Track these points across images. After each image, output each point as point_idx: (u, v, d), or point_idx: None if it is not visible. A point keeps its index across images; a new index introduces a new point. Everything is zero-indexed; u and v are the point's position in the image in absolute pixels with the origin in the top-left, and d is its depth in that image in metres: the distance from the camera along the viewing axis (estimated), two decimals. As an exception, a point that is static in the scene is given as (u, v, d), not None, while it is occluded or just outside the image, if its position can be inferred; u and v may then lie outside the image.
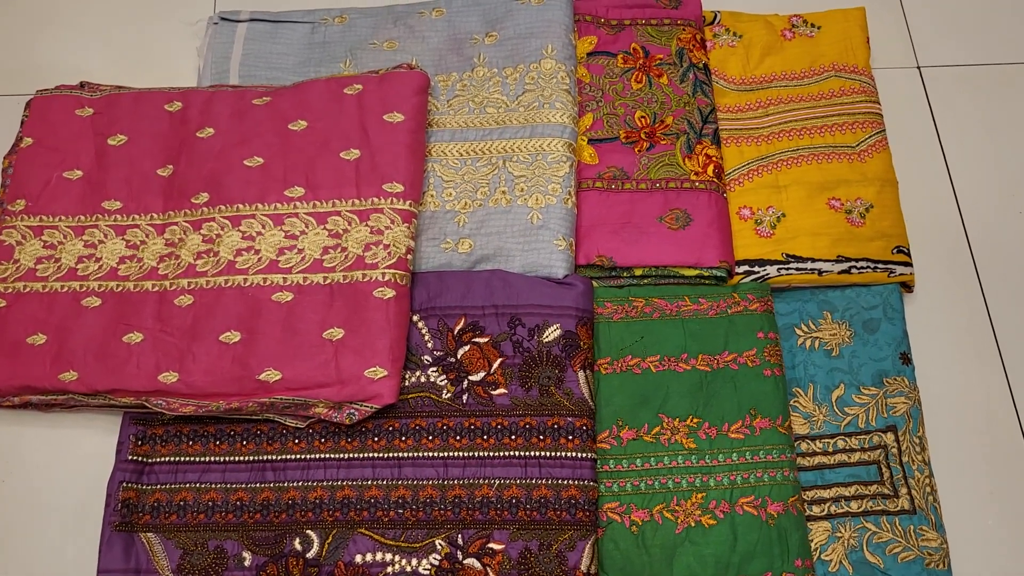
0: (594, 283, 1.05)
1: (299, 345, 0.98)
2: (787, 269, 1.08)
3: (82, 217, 1.08)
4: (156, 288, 1.03)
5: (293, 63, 1.18)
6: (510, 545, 0.92)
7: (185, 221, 1.06)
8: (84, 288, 1.04)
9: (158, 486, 0.98)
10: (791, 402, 1.03)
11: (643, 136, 1.12)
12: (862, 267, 1.08)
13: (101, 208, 1.08)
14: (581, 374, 0.98)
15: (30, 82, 1.19)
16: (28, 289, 1.04)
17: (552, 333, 0.99)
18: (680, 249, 1.05)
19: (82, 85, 1.17)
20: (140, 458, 0.99)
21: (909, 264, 1.09)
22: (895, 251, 1.09)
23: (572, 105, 1.10)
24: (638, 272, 1.06)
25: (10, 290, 1.04)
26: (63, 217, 1.08)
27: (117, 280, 1.04)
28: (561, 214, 1.04)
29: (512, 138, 1.09)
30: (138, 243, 1.06)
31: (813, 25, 1.23)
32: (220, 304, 1.01)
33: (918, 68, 1.26)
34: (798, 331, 1.07)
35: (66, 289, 1.04)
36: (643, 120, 1.13)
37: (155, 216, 1.07)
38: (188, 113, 1.11)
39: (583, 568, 0.91)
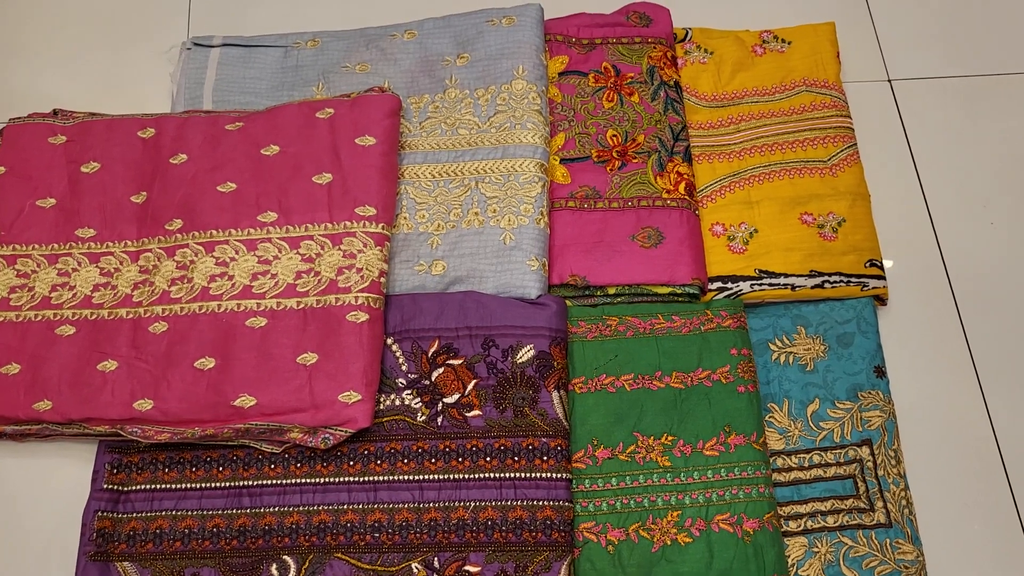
0: (568, 302, 1.05)
1: (273, 370, 0.98)
2: (760, 285, 1.08)
3: (55, 245, 1.08)
4: (130, 315, 1.03)
5: (266, 87, 1.19)
6: (486, 567, 0.92)
7: (159, 248, 1.06)
8: (58, 317, 1.04)
9: (134, 514, 0.98)
10: (766, 417, 1.03)
11: (615, 155, 1.12)
12: (835, 281, 1.08)
13: (75, 236, 1.08)
14: (555, 394, 0.98)
15: (2, 110, 1.19)
16: (2, 319, 1.04)
17: (526, 354, 1.00)
18: (653, 267, 1.05)
19: (55, 112, 1.17)
20: (116, 486, 0.99)
21: (882, 277, 1.09)
22: (868, 264, 1.09)
23: (543, 125, 1.10)
24: (611, 291, 1.06)
25: None
26: (36, 245, 1.08)
27: (91, 308, 1.04)
28: (534, 234, 1.04)
29: (484, 159, 1.09)
30: (112, 270, 1.06)
31: (784, 40, 1.23)
32: (194, 330, 1.01)
33: (889, 81, 1.27)
34: (772, 346, 1.07)
35: (40, 318, 1.04)
36: (615, 139, 1.13)
37: (129, 243, 1.07)
38: (161, 139, 1.11)
39: (559, 589, 0.91)
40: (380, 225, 1.03)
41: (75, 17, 1.30)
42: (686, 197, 1.09)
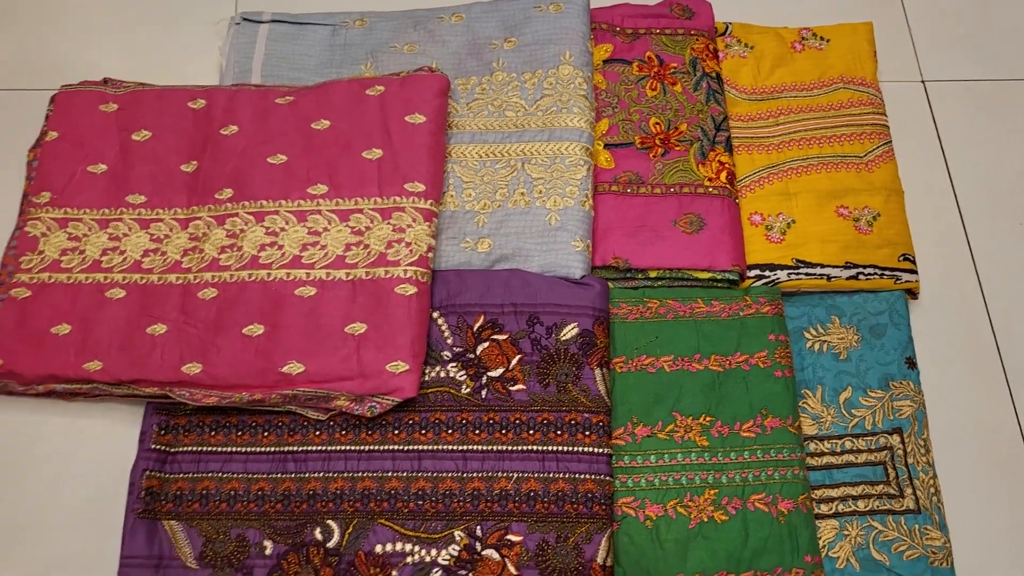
0: (610, 284, 1.08)
1: (322, 339, 1.00)
2: (797, 274, 1.10)
3: (106, 210, 1.10)
4: (180, 281, 1.05)
5: (315, 64, 1.20)
6: (528, 537, 0.94)
7: (209, 216, 1.08)
8: (108, 280, 1.06)
9: (180, 475, 0.99)
10: (800, 403, 1.05)
11: (658, 142, 1.15)
12: (869, 274, 1.11)
13: (125, 202, 1.10)
14: (598, 372, 1.00)
15: (53, 78, 1.21)
16: (53, 280, 1.06)
17: (570, 331, 1.02)
18: (694, 252, 1.08)
19: (105, 81, 1.19)
20: (163, 447, 1.00)
21: (915, 272, 1.11)
22: (901, 259, 1.11)
23: (589, 110, 1.13)
24: (652, 274, 1.08)
25: (35, 280, 1.06)
26: (87, 210, 1.10)
27: (141, 273, 1.06)
28: (579, 216, 1.07)
29: (530, 141, 1.11)
30: (162, 237, 1.08)
31: (822, 38, 1.26)
32: (243, 297, 1.02)
33: (923, 82, 1.30)
34: (807, 334, 1.09)
35: (90, 280, 1.06)
36: (658, 126, 1.16)
37: (179, 211, 1.09)
38: (212, 111, 1.13)
39: (599, 561, 0.93)
40: (429, 201, 1.05)
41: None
42: (727, 186, 1.12)
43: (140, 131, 1.13)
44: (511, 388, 1.00)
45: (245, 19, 1.24)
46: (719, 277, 1.08)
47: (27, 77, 1.23)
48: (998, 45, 1.33)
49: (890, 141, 1.19)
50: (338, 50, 1.21)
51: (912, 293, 1.13)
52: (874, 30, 1.26)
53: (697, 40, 1.21)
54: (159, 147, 1.12)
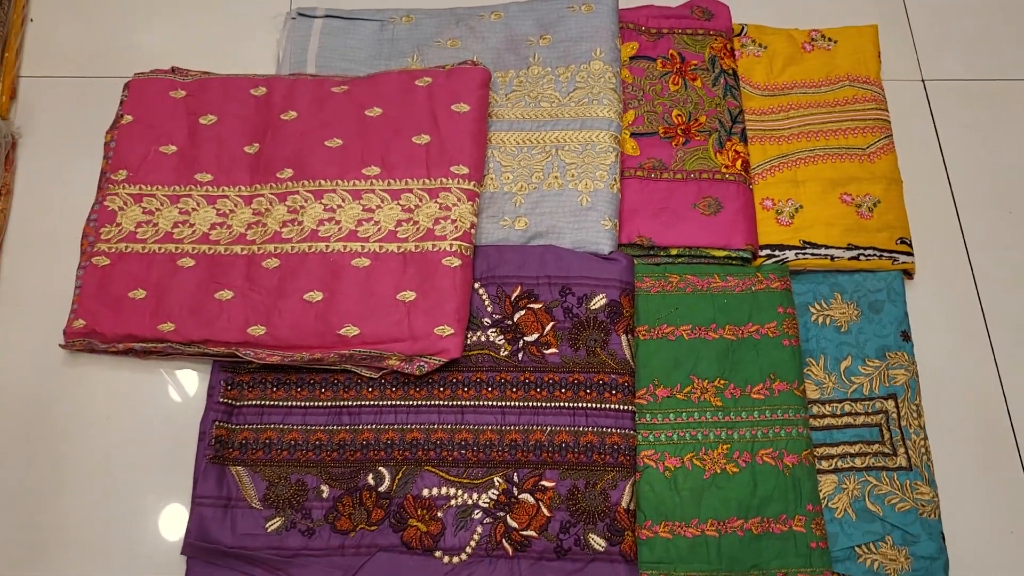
0: (635, 260, 1.16)
1: (375, 305, 1.09)
2: (803, 254, 1.19)
3: (177, 187, 1.19)
4: (245, 252, 1.14)
5: (365, 56, 1.28)
6: (560, 483, 1.04)
7: (271, 193, 1.16)
8: (179, 250, 1.15)
9: (245, 426, 1.09)
10: (804, 371, 1.14)
11: (679, 132, 1.24)
12: (869, 255, 1.19)
13: (194, 180, 1.19)
14: (624, 338, 1.10)
15: (126, 66, 1.29)
16: (129, 249, 1.15)
17: (599, 301, 1.12)
18: (711, 233, 1.16)
19: (173, 70, 1.27)
20: (229, 401, 1.10)
21: (911, 254, 1.20)
22: (899, 242, 1.20)
23: (617, 102, 1.22)
24: (673, 252, 1.17)
25: (113, 250, 1.15)
26: (160, 187, 1.19)
27: (209, 244, 1.15)
28: (607, 198, 1.16)
29: (564, 130, 1.20)
30: (227, 212, 1.17)
31: (830, 39, 1.34)
32: (304, 267, 1.11)
33: (923, 81, 1.39)
34: (811, 309, 1.18)
35: (163, 250, 1.15)
36: (679, 118, 1.25)
37: (243, 188, 1.18)
38: (272, 98, 1.21)
39: (623, 505, 1.03)
40: (472, 183, 1.14)
41: None
42: (742, 173, 1.21)
43: (206, 115, 1.22)
44: (545, 351, 1.10)
45: (300, 14, 1.31)
46: (734, 255, 1.17)
47: (103, 66, 1.32)
48: (994, 48, 1.42)
49: (891, 135, 1.27)
50: (386, 44, 1.29)
51: (908, 273, 1.21)
52: (879, 32, 1.34)
53: (715, 40, 1.30)
54: (224, 130, 1.20)
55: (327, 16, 1.32)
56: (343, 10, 1.33)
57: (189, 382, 1.15)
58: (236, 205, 1.17)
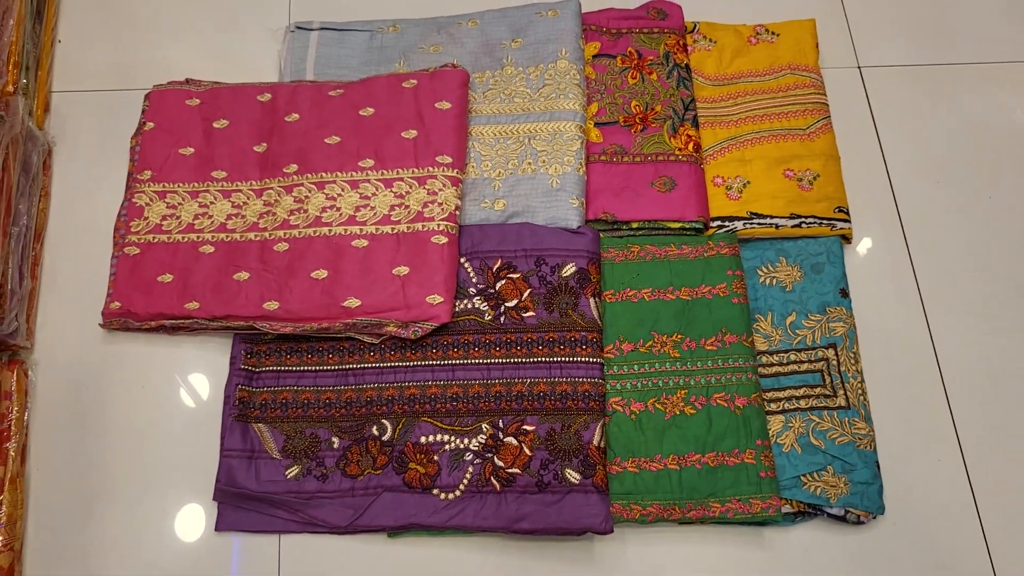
0: (600, 233, 1.26)
1: (374, 280, 1.18)
2: (751, 224, 1.29)
3: (196, 184, 1.30)
4: (258, 238, 1.24)
5: (357, 63, 1.38)
6: (539, 427, 1.17)
7: (279, 186, 1.28)
8: (200, 239, 1.26)
9: (264, 388, 1.22)
10: (754, 326, 1.25)
11: (638, 121, 1.33)
12: (810, 223, 1.29)
13: (211, 177, 1.29)
14: (591, 300, 1.23)
15: (146, 78, 1.42)
16: (156, 240, 1.27)
17: (569, 270, 1.23)
18: (667, 207, 1.26)
19: (187, 81, 1.39)
20: (249, 368, 1.23)
21: (848, 221, 1.30)
22: (836, 210, 1.30)
23: (582, 96, 1.32)
24: (634, 225, 1.27)
25: (143, 240, 1.28)
26: (181, 184, 1.30)
27: (226, 232, 1.25)
28: (575, 180, 1.26)
29: (535, 122, 1.30)
30: (241, 204, 1.28)
31: (773, 33, 1.45)
32: (310, 249, 1.21)
33: (859, 68, 1.50)
34: (759, 272, 1.29)
35: (186, 240, 1.26)
36: (637, 108, 1.34)
37: (254, 183, 1.28)
38: (276, 103, 1.31)
39: (595, 443, 1.17)
40: (455, 171, 1.25)
41: (200, 5, 1.51)
42: (694, 154, 1.32)
43: (219, 120, 1.32)
44: (523, 315, 1.21)
45: (298, 27, 1.41)
46: (687, 227, 1.27)
47: (126, 79, 1.43)
48: (923, 35, 1.53)
49: (828, 116, 1.38)
50: (376, 52, 1.39)
51: (846, 238, 1.30)
52: (816, 25, 1.46)
53: (670, 37, 1.40)
54: (235, 133, 1.30)
55: (322, 28, 1.42)
56: (336, 23, 1.43)
57: (214, 353, 1.25)
58: (249, 198, 1.29)
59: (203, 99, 1.36)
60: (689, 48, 1.44)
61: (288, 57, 1.40)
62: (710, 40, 1.46)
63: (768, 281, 1.29)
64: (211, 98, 1.36)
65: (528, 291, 1.23)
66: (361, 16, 1.46)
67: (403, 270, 1.21)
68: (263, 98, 1.35)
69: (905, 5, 1.58)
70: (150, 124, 1.35)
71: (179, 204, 1.30)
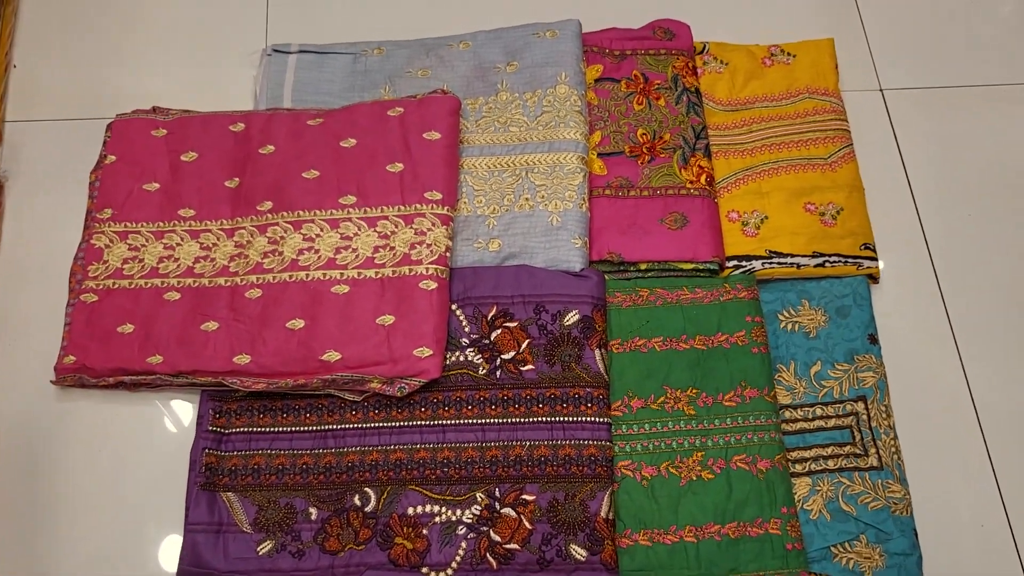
0: (606, 276, 1.19)
1: (355, 330, 1.10)
2: (770, 263, 1.21)
3: (161, 223, 1.21)
4: (228, 283, 1.16)
5: (339, 89, 1.30)
6: (540, 496, 1.07)
7: (252, 226, 1.19)
8: (165, 284, 1.17)
9: (235, 452, 1.12)
10: (776, 376, 1.16)
11: (645, 151, 1.26)
12: (834, 261, 1.21)
13: (177, 215, 1.21)
14: (597, 352, 1.13)
15: (110, 107, 1.33)
16: (116, 285, 1.18)
17: (572, 318, 1.14)
18: (679, 246, 1.18)
19: (154, 109, 1.30)
20: (218, 429, 1.13)
21: (875, 259, 1.22)
22: (862, 248, 1.22)
23: (584, 124, 1.24)
24: (643, 266, 1.19)
25: (101, 286, 1.18)
26: (144, 223, 1.21)
27: (193, 277, 1.17)
28: (577, 217, 1.18)
29: (533, 153, 1.22)
30: (211, 245, 1.19)
31: (789, 54, 1.37)
32: (286, 296, 1.13)
33: (881, 91, 1.42)
34: (780, 316, 1.20)
35: (149, 285, 1.17)
36: (644, 137, 1.27)
37: (225, 222, 1.20)
38: (250, 132, 1.24)
39: (603, 515, 1.06)
40: (445, 208, 1.17)
41: (168, 26, 1.42)
42: (707, 187, 1.24)
43: (188, 152, 1.24)
44: (522, 368, 1.13)
45: (276, 50, 1.34)
46: (701, 267, 1.19)
47: (86, 108, 1.35)
48: (949, 55, 1.45)
49: (851, 144, 1.30)
50: (359, 76, 1.31)
51: (873, 278, 1.23)
52: (835, 45, 1.38)
53: (678, 59, 1.33)
54: (205, 166, 1.22)
55: (301, 51, 1.35)
56: (316, 45, 1.36)
57: (178, 412, 1.17)
58: (219, 238, 1.20)
59: (170, 129, 1.27)
60: (699, 71, 1.36)
61: (264, 83, 1.33)
62: (721, 62, 1.37)
63: (790, 327, 1.21)
64: (179, 128, 1.27)
65: (527, 342, 1.14)
66: (344, 38, 1.39)
67: (388, 319, 1.12)
68: (236, 128, 1.26)
69: (929, 22, 1.50)
70: (111, 157, 1.26)
71: (142, 246, 1.21)
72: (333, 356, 1.11)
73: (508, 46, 1.31)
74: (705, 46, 1.38)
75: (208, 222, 1.21)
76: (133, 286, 1.18)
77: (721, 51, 1.38)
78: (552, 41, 1.30)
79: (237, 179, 1.23)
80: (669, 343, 1.17)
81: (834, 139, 1.30)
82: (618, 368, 1.15)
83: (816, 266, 1.22)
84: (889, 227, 1.30)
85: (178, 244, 1.20)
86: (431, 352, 1.10)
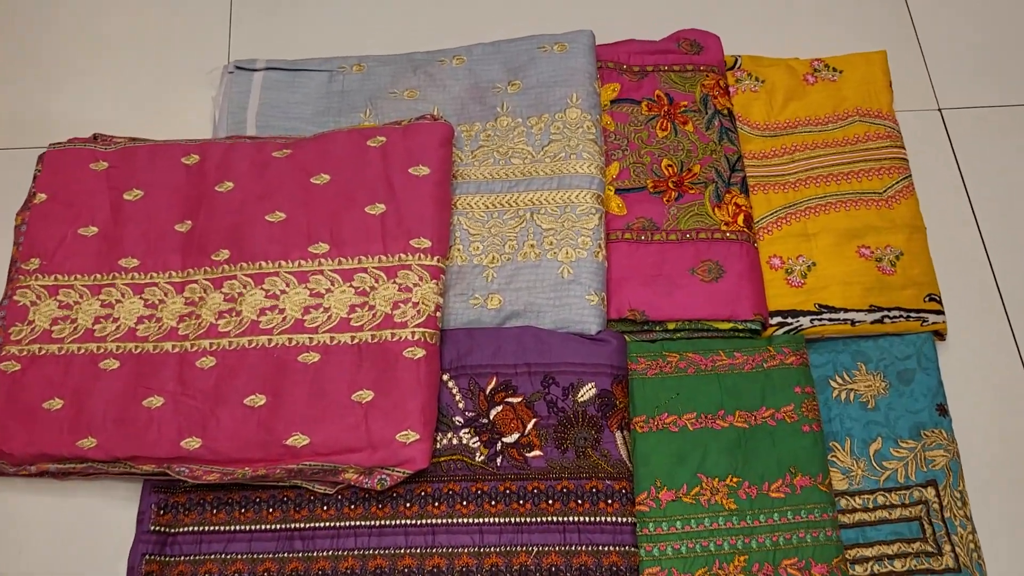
0: (627, 338, 1.04)
1: (327, 408, 0.96)
2: (820, 320, 1.07)
3: (98, 275, 1.06)
4: (176, 349, 1.01)
5: (311, 113, 1.18)
6: (551, 616, 0.89)
7: (205, 279, 1.04)
8: (102, 350, 1.02)
9: (182, 557, 0.95)
10: (828, 456, 1.01)
11: (671, 185, 1.11)
12: (895, 316, 1.07)
13: (118, 266, 1.07)
14: (618, 434, 0.96)
15: (43, 135, 1.18)
16: (43, 352, 1.02)
17: (587, 392, 0.98)
18: (713, 302, 1.04)
19: (95, 137, 1.16)
20: (162, 528, 0.96)
21: (941, 312, 1.08)
22: (927, 299, 1.08)
23: (599, 155, 1.10)
24: (671, 326, 1.05)
25: (25, 353, 1.02)
26: (79, 276, 1.06)
27: (136, 341, 1.02)
28: (592, 268, 1.03)
29: (539, 189, 1.08)
30: (156, 302, 1.04)
31: (835, 69, 1.22)
32: (244, 366, 0.99)
33: (939, 110, 1.26)
34: (832, 383, 1.06)
35: (83, 351, 1.02)
36: (670, 169, 1.12)
37: (174, 274, 1.06)
38: (206, 166, 1.10)
39: (627, 638, 0.88)
40: (435, 258, 1.02)
41: (114, 40, 1.30)
42: (745, 230, 1.08)
43: (132, 190, 1.10)
44: (527, 455, 0.96)
45: (238, 67, 1.21)
46: (741, 327, 1.05)
47: (15, 135, 1.21)
48: (1016, 69, 1.29)
49: (910, 175, 1.16)
50: (335, 97, 1.19)
51: (940, 335, 1.09)
52: (887, 59, 1.23)
53: (707, 76, 1.18)
54: (152, 206, 1.09)
55: (268, 68, 1.22)
56: (286, 61, 1.22)
57: (115, 507, 1.01)
58: (166, 294, 1.05)
59: (113, 162, 1.13)
60: (731, 89, 1.22)
61: (224, 106, 1.20)
62: (757, 79, 1.23)
63: (844, 396, 1.06)
64: (123, 161, 1.13)
65: (533, 421, 0.98)
66: (318, 52, 1.26)
67: (366, 395, 0.96)
68: (189, 160, 1.12)
69: (994, 30, 1.33)
70: (42, 196, 1.11)
71: (75, 303, 1.06)
72: (300, 440, 0.95)
73: (509, 62, 1.18)
74: (737, 60, 1.24)
75: (154, 274, 1.07)
76: (63, 352, 1.03)
77: (756, 66, 1.24)
78: (561, 56, 1.16)
79: (189, 222, 1.08)
80: (704, 420, 1.01)
81: (890, 169, 1.16)
82: (643, 452, 0.99)
83: (873, 322, 1.07)
84: (955, 273, 1.14)
85: (118, 301, 1.05)
86: (418, 436, 0.94)
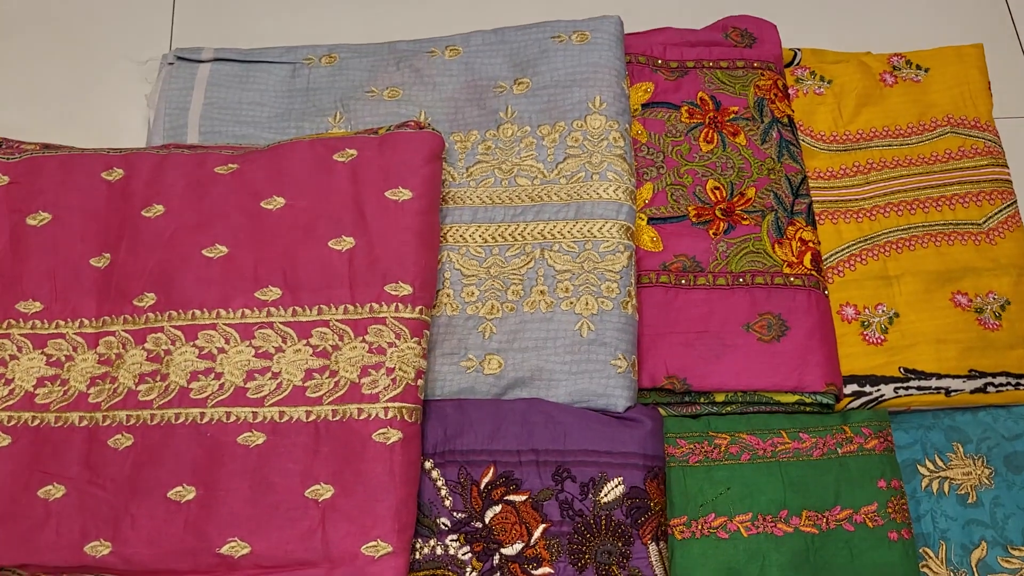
0: (662, 411, 0.89)
1: (274, 506, 0.84)
2: (906, 389, 0.94)
3: None
4: (85, 423, 0.89)
5: (268, 116, 1.07)
6: None
7: (124, 331, 0.91)
8: None
9: None
10: (920, 566, 0.85)
11: (718, 214, 0.99)
12: (1000, 384, 0.95)
13: (15, 311, 0.94)
14: (652, 547, 0.82)
15: None
16: None
17: (613, 491, 0.84)
18: (774, 367, 0.92)
19: None
20: (59, 658, 0.78)
21: None
22: None
23: (628, 176, 0.97)
24: (719, 398, 0.93)
25: None
26: None
27: (33, 411, 0.90)
28: (619, 323, 0.91)
29: (552, 219, 0.97)
30: (63, 359, 0.91)
31: (919, 67, 1.09)
32: (169, 447, 0.87)
33: None
34: (921, 469, 0.92)
35: None
36: (717, 193, 1.00)
37: (86, 322, 0.93)
38: (131, 184, 0.98)
39: None
40: (418, 309, 0.88)
41: (32, 26, 1.18)
42: (813, 273, 0.94)
43: (37, 213, 0.97)
44: (534, 572, 0.82)
45: (180, 58, 1.11)
46: (808, 400, 0.91)
47: None
48: None
49: (1015, 202, 1.02)
50: (299, 96, 1.08)
51: None
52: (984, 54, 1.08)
53: (762, 75, 1.06)
54: (61, 235, 0.97)
55: (216, 59, 1.10)
56: (239, 50, 1.11)
57: None
58: (75, 348, 0.92)
59: (14, 176, 0.99)
60: (791, 91, 1.08)
61: (162, 106, 1.09)
62: (822, 79, 1.10)
63: (936, 486, 0.93)
64: (27, 175, 0.99)
65: (542, 528, 0.84)
66: (280, 39, 1.14)
67: (324, 491, 0.83)
68: (111, 176, 0.99)
69: None
70: None
71: None
72: (239, 549, 0.82)
73: (516, 55, 1.07)
74: (796, 55, 1.13)
75: (61, 323, 0.94)
76: (-60, 424, 0.89)
77: (820, 62, 1.12)
78: (581, 48, 1.04)
79: (107, 256, 0.96)
80: (762, 523, 0.85)
81: (991, 195, 1.04)
82: (683, 566, 0.83)
83: (974, 391, 0.96)
84: (1070, 325, 1.00)
85: (13, 357, 0.92)
86: (390, 548, 0.81)
